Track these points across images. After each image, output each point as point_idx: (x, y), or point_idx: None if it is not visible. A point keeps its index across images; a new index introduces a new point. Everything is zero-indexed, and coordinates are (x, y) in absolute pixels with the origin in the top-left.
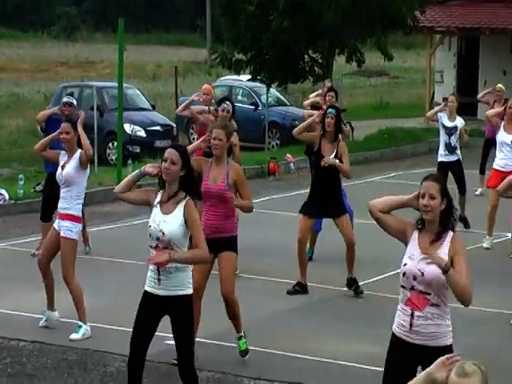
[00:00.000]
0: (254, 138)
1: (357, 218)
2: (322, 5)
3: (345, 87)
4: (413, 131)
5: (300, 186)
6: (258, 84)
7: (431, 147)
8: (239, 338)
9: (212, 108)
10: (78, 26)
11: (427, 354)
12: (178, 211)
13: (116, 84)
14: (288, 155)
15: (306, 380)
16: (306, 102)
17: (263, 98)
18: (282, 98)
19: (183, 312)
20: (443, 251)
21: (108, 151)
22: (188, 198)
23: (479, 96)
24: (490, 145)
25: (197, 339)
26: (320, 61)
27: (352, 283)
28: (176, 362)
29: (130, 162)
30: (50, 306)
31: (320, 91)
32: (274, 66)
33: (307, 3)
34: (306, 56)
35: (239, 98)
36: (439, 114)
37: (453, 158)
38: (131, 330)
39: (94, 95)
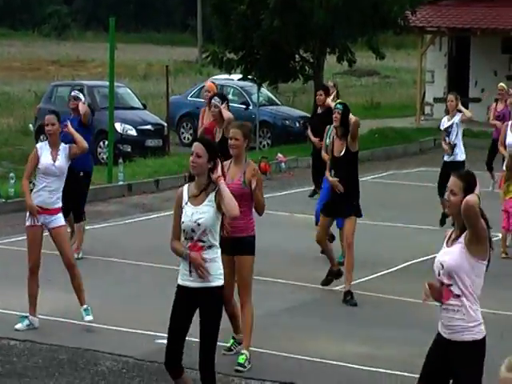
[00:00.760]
0: None
1: None
2: (313, 4)
3: None
4: (404, 131)
5: (291, 185)
6: (248, 83)
7: (422, 147)
8: (242, 354)
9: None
10: (69, 24)
11: (453, 348)
12: (210, 200)
13: (107, 83)
14: (279, 155)
15: (298, 380)
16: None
17: (254, 97)
18: (273, 97)
19: (213, 302)
20: (459, 240)
21: (99, 150)
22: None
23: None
24: (496, 145)
25: (189, 339)
26: (311, 60)
27: (346, 295)
28: None
29: (120, 160)
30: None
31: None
32: (264, 65)
33: (298, 2)
34: (297, 55)
35: (230, 97)
36: (441, 121)
37: (457, 159)
38: (122, 328)
39: (84, 94)
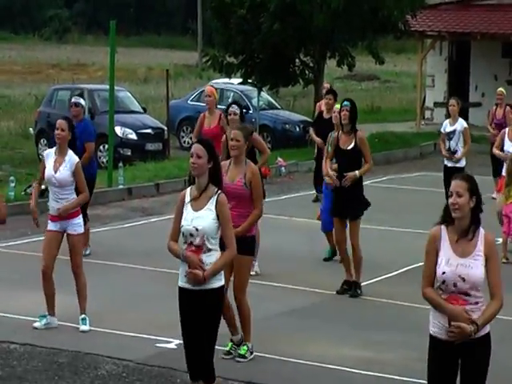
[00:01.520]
0: None
1: None
2: (313, 8)
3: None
4: (404, 136)
5: (291, 189)
6: (249, 87)
7: (422, 152)
8: (243, 345)
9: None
10: (70, 28)
11: (466, 346)
12: (211, 206)
13: (107, 86)
14: (279, 159)
15: None
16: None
17: (254, 101)
18: (273, 101)
19: (214, 303)
20: (478, 249)
21: (99, 154)
22: (220, 192)
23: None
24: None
25: None
26: (311, 64)
27: (351, 286)
28: None
29: (120, 164)
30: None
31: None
32: (264, 69)
33: (298, 6)
34: (297, 59)
35: (230, 101)
36: (443, 123)
37: (457, 165)
38: (122, 332)
39: (85, 98)
